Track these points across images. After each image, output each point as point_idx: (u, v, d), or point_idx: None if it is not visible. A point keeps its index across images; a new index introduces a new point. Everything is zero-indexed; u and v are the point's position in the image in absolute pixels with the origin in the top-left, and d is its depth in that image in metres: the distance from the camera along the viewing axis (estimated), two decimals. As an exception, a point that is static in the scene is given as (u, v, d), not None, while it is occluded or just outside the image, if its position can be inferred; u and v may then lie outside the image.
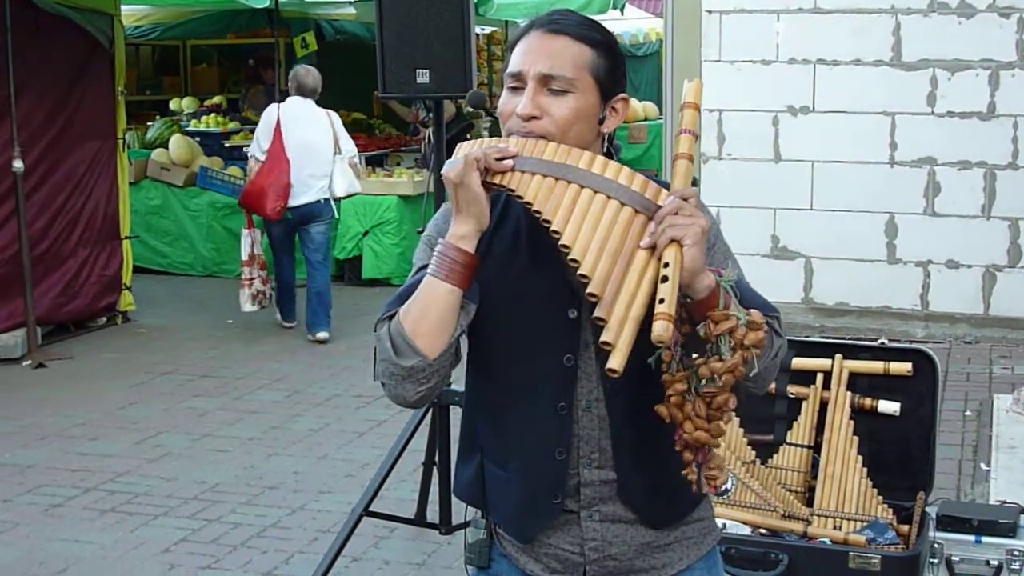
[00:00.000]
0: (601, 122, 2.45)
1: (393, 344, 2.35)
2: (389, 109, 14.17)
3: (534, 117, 2.38)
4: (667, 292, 2.13)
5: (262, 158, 9.26)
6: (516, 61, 2.42)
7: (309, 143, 9.27)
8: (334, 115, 9.63)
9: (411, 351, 2.33)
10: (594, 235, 2.21)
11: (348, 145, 9.61)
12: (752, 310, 2.24)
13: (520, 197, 2.29)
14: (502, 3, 11.96)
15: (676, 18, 9.39)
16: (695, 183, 2.28)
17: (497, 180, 2.32)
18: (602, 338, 2.13)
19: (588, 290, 2.17)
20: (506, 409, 2.51)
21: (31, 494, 6.19)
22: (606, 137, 2.48)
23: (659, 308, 2.12)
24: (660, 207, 2.24)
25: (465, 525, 2.73)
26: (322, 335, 9.37)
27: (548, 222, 2.23)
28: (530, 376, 2.46)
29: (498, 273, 2.43)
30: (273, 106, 9.44)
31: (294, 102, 9.38)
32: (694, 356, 2.25)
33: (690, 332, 2.24)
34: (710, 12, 9.21)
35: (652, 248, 2.20)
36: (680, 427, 2.25)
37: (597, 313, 2.15)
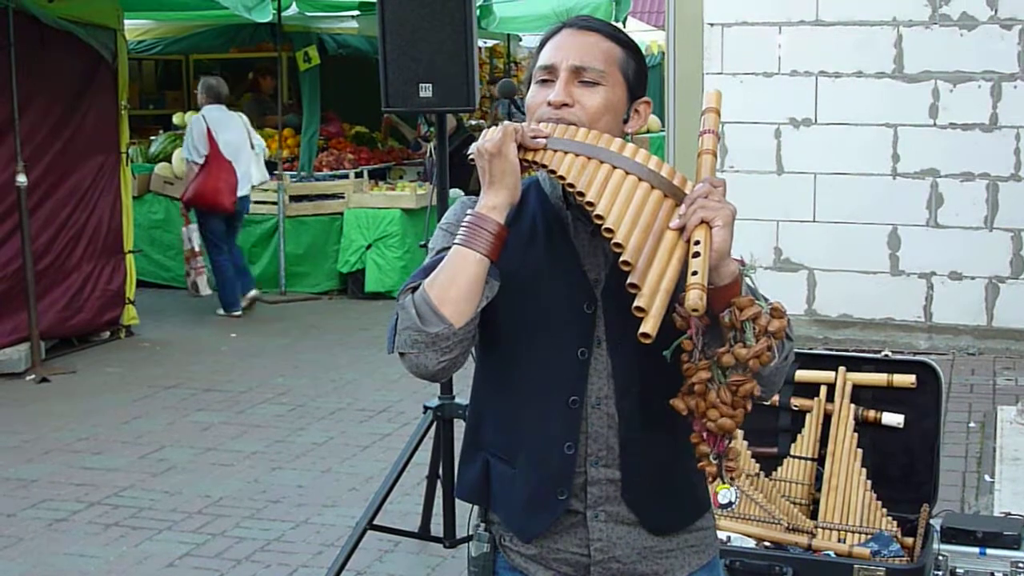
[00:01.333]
0: (625, 121, 2.51)
1: (418, 311, 2.35)
2: (397, 130, 14.20)
3: (565, 104, 2.43)
4: (699, 265, 2.17)
5: (200, 161, 10.48)
6: (548, 55, 2.49)
7: (236, 143, 10.68)
8: (244, 116, 11.06)
9: (437, 318, 2.33)
10: (627, 210, 2.25)
11: (258, 140, 11.16)
12: (776, 300, 2.27)
13: (553, 172, 2.33)
14: (504, 17, 11.99)
15: (678, 30, 9.40)
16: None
17: (531, 156, 2.37)
18: (636, 303, 2.15)
19: (622, 258, 2.19)
20: (517, 403, 2.52)
21: (35, 508, 6.19)
22: (628, 138, 2.51)
23: (692, 279, 2.15)
24: (687, 194, 2.30)
25: (469, 539, 2.74)
26: (253, 293, 10.95)
27: (582, 194, 2.27)
28: (543, 369, 2.48)
29: (514, 265, 2.45)
30: (197, 115, 10.73)
31: (214, 109, 10.65)
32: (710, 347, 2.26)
33: (709, 323, 2.25)
34: (712, 24, 9.23)
35: (681, 231, 2.25)
36: (702, 417, 2.25)
37: (632, 279, 2.18)
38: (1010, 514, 4.28)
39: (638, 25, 20.54)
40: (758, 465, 4.34)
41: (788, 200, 9.17)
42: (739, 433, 4.30)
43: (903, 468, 4.27)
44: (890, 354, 4.43)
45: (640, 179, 2.31)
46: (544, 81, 2.48)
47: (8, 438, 7.33)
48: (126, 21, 10.39)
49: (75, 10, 9.39)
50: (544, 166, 2.35)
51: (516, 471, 2.53)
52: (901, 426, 4.26)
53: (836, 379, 4.33)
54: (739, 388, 2.23)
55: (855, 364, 4.38)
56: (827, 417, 4.32)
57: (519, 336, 2.50)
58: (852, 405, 4.30)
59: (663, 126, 12.84)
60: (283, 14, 11.32)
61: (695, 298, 2.12)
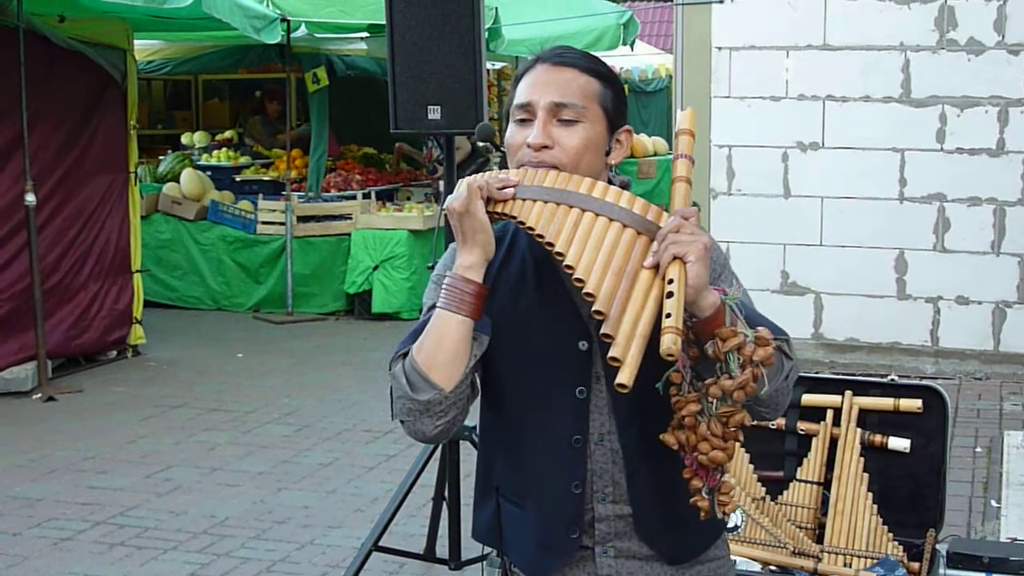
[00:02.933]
0: (607, 153, 2.47)
1: (408, 380, 2.36)
2: (410, 158, 14.22)
3: (545, 147, 2.39)
4: (673, 306, 2.13)
5: None
6: (524, 93, 2.45)
7: None
8: None
9: (427, 385, 2.34)
10: (598, 255, 2.22)
11: None
12: (759, 327, 2.23)
13: (522, 223, 2.31)
14: (512, 39, 11.99)
15: (686, 54, 9.43)
16: (695, 207, 2.27)
17: (500, 208, 2.34)
18: (610, 353, 2.12)
19: (594, 307, 2.17)
20: (521, 444, 2.51)
21: (40, 527, 6.19)
22: (612, 169, 2.49)
23: (666, 322, 2.11)
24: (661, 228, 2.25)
25: (481, 559, 2.74)
26: None
27: (551, 244, 2.25)
28: (543, 409, 2.46)
29: (507, 308, 2.44)
30: None
31: None
32: (704, 379, 2.24)
33: (698, 355, 2.23)
34: (720, 48, 9.25)
35: (656, 268, 2.20)
36: (693, 450, 2.24)
37: (604, 330, 2.15)
38: (1016, 539, 4.27)
39: (646, 48, 20.56)
40: (764, 489, 4.33)
41: (795, 224, 9.17)
42: (739, 464, 4.30)
43: (909, 493, 4.26)
44: (896, 378, 4.42)
45: (611, 219, 2.27)
46: (522, 120, 2.44)
47: (14, 457, 7.34)
48: (136, 41, 10.43)
49: (85, 30, 9.43)
50: (514, 218, 2.33)
51: (526, 512, 2.53)
52: (907, 451, 4.26)
53: (842, 403, 4.32)
54: (729, 419, 2.21)
55: (861, 388, 4.37)
56: (833, 441, 4.31)
57: (517, 378, 2.49)
58: (858, 429, 4.29)
59: (670, 149, 12.87)
60: (292, 35, 11.34)
61: (668, 342, 2.09)
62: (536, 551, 2.52)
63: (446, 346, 2.34)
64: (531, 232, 2.30)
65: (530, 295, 2.45)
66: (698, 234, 2.21)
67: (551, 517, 2.48)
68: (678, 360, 2.20)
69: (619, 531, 2.47)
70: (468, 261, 2.35)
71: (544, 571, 2.52)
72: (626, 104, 2.53)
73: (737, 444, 2.25)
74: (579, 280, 2.20)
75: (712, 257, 2.29)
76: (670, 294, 2.15)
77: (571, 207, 2.29)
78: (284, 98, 13.45)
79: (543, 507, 2.49)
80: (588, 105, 2.42)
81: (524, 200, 2.32)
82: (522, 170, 2.38)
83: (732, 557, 2.66)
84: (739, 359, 2.19)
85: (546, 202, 2.30)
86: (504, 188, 2.34)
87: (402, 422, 2.42)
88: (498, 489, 2.57)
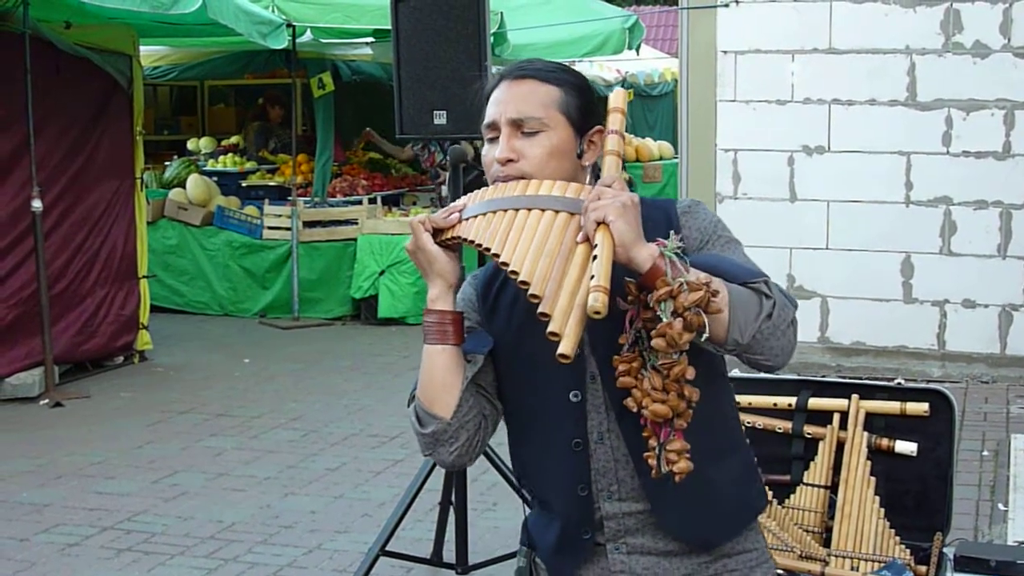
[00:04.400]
0: (580, 156, 2.51)
1: (418, 416, 2.53)
2: (379, 149, 14.18)
3: (511, 160, 2.47)
4: (596, 268, 2.16)
5: None
6: (489, 112, 2.54)
7: None
8: None
9: (429, 418, 2.49)
10: (530, 245, 2.27)
11: None
12: (694, 271, 2.22)
13: (466, 240, 2.39)
14: (518, 44, 11.99)
15: (691, 58, 9.42)
16: (631, 185, 2.31)
17: (448, 235, 2.45)
18: (548, 328, 2.17)
19: (529, 292, 2.21)
20: (530, 450, 2.60)
21: (47, 533, 6.19)
22: (590, 169, 2.53)
23: (591, 283, 2.15)
24: None
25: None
26: None
27: (488, 250, 2.31)
28: (541, 416, 2.53)
29: (503, 327, 2.55)
30: None
31: None
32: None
33: (651, 316, 2.23)
34: (725, 52, 9.25)
35: (588, 240, 2.24)
36: (641, 407, 2.25)
37: (540, 309, 2.20)
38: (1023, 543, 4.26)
39: (651, 53, 20.57)
40: (771, 493, 4.33)
41: (801, 227, 9.16)
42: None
43: (916, 496, 4.25)
44: (903, 382, 4.43)
45: (543, 210, 2.33)
46: (492, 139, 2.52)
47: (21, 462, 7.35)
48: (141, 47, 10.44)
49: (91, 36, 9.45)
50: (458, 237, 2.42)
51: (544, 512, 2.62)
52: (914, 454, 4.25)
53: (849, 407, 4.32)
54: (669, 371, 2.21)
55: (868, 392, 4.37)
56: (840, 445, 4.31)
57: (517, 389, 2.57)
58: (865, 433, 4.28)
59: (676, 153, 12.87)
60: (298, 41, 11.36)
61: (591, 300, 2.12)
62: (554, 548, 2.59)
63: (436, 378, 2.48)
64: (473, 245, 2.37)
65: (523, 311, 2.49)
66: (617, 195, 2.24)
67: (564, 518, 2.55)
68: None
69: (630, 528, 2.50)
70: (433, 294, 2.49)
71: (561, 568, 2.59)
72: (594, 104, 2.56)
73: (688, 398, 2.23)
74: (513, 272, 2.24)
75: (694, 224, 2.43)
76: (595, 257, 2.19)
77: (506, 211, 2.36)
78: (286, 104, 13.46)
79: (555, 508, 2.57)
80: (547, 114, 2.48)
81: (467, 220, 2.41)
82: (471, 194, 2.47)
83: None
84: (672, 307, 2.18)
85: (485, 214, 2.38)
86: (450, 215, 2.44)
87: (429, 455, 2.57)
88: (529, 492, 2.69)
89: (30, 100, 8.67)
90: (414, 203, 12.89)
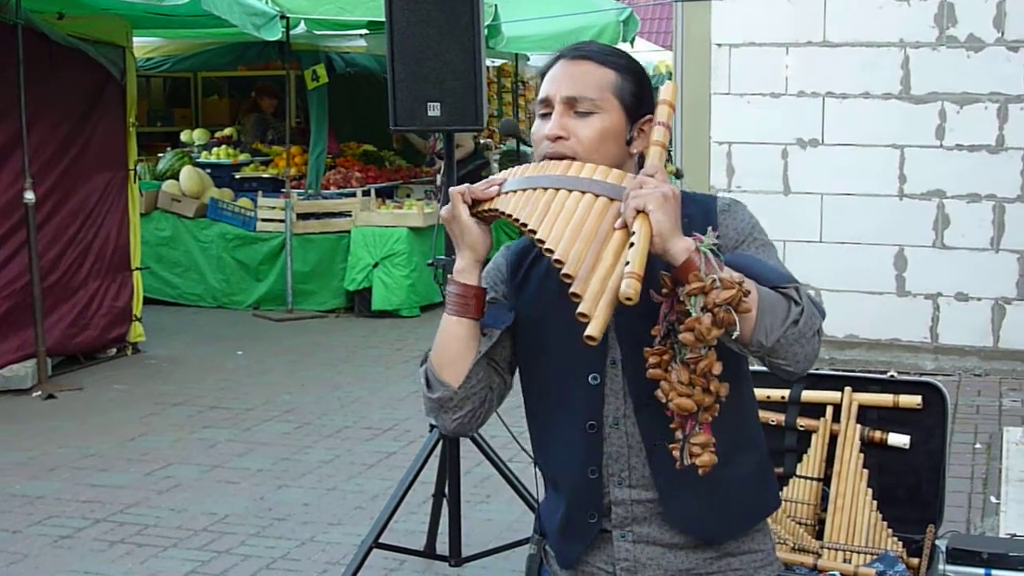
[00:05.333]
0: (629, 143, 2.52)
1: (426, 380, 2.55)
2: (407, 141, 14.22)
3: (561, 138, 2.47)
4: (632, 255, 2.18)
5: None
6: (544, 88, 2.54)
7: None
8: None
9: (438, 383, 2.51)
10: (567, 225, 2.28)
11: None
12: (727, 270, 2.22)
13: (503, 213, 2.40)
14: (512, 36, 12.00)
15: (686, 51, 9.43)
16: (679, 175, 2.36)
17: (486, 207, 2.45)
18: (578, 309, 2.17)
19: (562, 271, 2.22)
20: (543, 430, 2.62)
21: (40, 525, 6.19)
22: (637, 157, 2.53)
23: (626, 270, 2.16)
24: None
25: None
26: None
27: (525, 225, 2.32)
28: (558, 397, 2.55)
29: (531, 301, 2.56)
30: None
31: None
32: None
33: (683, 310, 2.23)
34: (719, 45, 9.25)
35: (626, 228, 2.25)
36: (668, 399, 2.25)
37: (572, 289, 2.20)
38: (1016, 535, 4.27)
39: (646, 45, 20.58)
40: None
41: (795, 221, 9.16)
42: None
43: (909, 489, 4.26)
44: (896, 375, 4.43)
45: (583, 192, 2.34)
46: (544, 115, 2.53)
47: (14, 455, 7.34)
48: (135, 38, 10.43)
49: (84, 27, 9.43)
50: (495, 210, 2.43)
51: (555, 496, 2.64)
52: (907, 447, 4.26)
53: (842, 399, 4.32)
54: (696, 365, 2.22)
55: (861, 384, 4.37)
56: (833, 437, 4.32)
57: (536, 367, 2.59)
58: (858, 425, 4.29)
59: (670, 145, 12.88)
60: (291, 32, 11.35)
61: (624, 287, 2.13)
62: (561, 533, 2.61)
63: (451, 347, 2.50)
64: (509, 219, 2.37)
65: (552, 289, 2.50)
66: (658, 186, 2.25)
67: (572, 501, 2.56)
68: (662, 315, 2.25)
69: (637, 516, 2.50)
70: (460, 265, 2.50)
71: (567, 553, 2.60)
72: (650, 94, 2.56)
73: (716, 392, 2.24)
74: (548, 250, 2.25)
75: (732, 224, 2.44)
76: (631, 244, 2.20)
77: (546, 189, 2.37)
78: (278, 95, 13.44)
79: (566, 491, 2.58)
80: (603, 96, 2.49)
81: (506, 194, 2.42)
82: (511, 169, 2.47)
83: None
84: (702, 303, 2.19)
85: (524, 190, 2.39)
86: (489, 188, 2.44)
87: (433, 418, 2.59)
88: (543, 472, 2.71)
89: (22, 91, 8.66)
90: (408, 195, 12.88)
